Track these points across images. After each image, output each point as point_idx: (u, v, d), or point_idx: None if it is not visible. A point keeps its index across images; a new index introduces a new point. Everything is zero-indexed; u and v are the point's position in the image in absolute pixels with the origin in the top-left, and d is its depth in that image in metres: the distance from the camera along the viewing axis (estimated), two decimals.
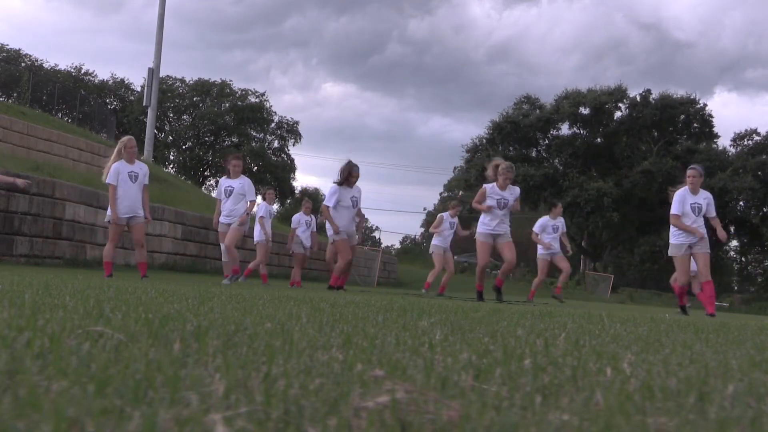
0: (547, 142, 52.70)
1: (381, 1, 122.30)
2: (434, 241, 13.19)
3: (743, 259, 60.46)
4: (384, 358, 1.54)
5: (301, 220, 13.60)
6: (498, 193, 9.67)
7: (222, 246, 10.45)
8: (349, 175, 10.05)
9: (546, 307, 7.95)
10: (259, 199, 13.77)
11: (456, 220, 13.32)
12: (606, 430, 0.97)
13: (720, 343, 2.82)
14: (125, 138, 9.47)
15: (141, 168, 9.33)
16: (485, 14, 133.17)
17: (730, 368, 1.79)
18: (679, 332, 3.38)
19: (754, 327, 4.61)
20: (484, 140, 51.95)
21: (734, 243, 56.59)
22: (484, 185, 9.86)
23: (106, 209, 15.60)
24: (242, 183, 10.15)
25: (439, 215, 13.49)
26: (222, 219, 10.19)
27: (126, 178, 9.14)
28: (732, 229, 52.06)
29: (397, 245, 67.63)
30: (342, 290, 9.88)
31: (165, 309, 2.56)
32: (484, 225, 9.72)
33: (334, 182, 10.17)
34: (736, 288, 59.92)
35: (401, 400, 1.01)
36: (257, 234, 13.05)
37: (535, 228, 12.94)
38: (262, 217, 13.05)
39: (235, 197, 10.08)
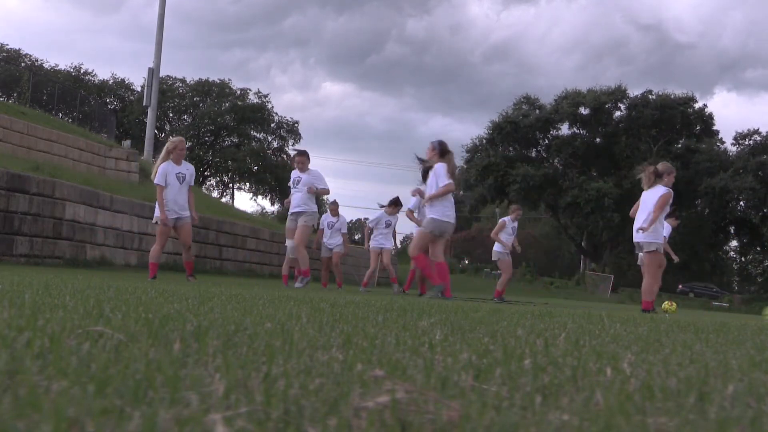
0: (546, 142, 52.72)
1: (380, 1, 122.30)
2: (496, 248, 12.47)
3: (743, 259, 60.47)
4: (384, 358, 1.54)
5: (324, 220, 13.12)
6: None
7: (288, 243, 10.42)
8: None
9: (546, 307, 7.95)
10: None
11: (516, 224, 12.68)
12: (606, 430, 0.97)
13: (720, 343, 2.82)
14: (176, 138, 9.55)
15: (188, 169, 9.43)
16: (484, 14, 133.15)
17: (730, 368, 1.79)
18: (679, 332, 3.38)
19: (754, 327, 4.61)
20: (484, 140, 51.98)
21: (734, 243, 56.63)
22: (670, 189, 8.85)
23: (107, 209, 15.68)
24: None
25: (501, 220, 12.76)
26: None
27: (174, 180, 9.22)
28: (732, 229, 52.14)
29: (398, 245, 67.58)
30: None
31: (165, 309, 2.56)
32: None
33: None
34: (736, 288, 59.94)
35: (401, 400, 1.01)
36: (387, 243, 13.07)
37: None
38: (370, 226, 13.06)
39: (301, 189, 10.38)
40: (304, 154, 10.69)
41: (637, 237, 8.91)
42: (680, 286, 45.43)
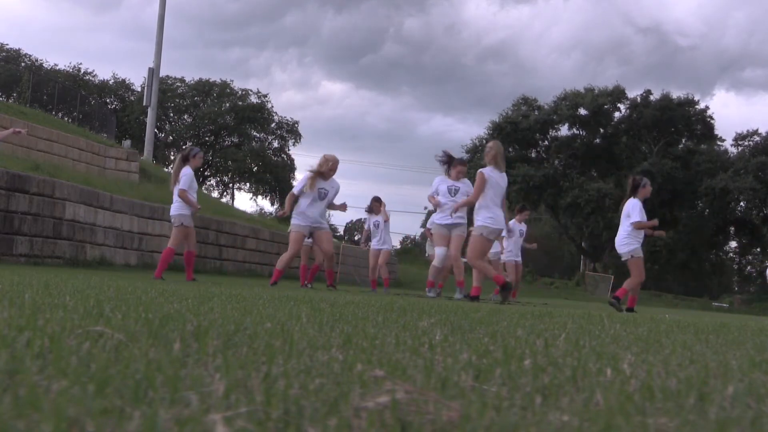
0: (546, 142, 52.73)
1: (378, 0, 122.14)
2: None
3: (744, 259, 60.45)
4: (384, 358, 1.54)
5: (370, 221, 12.69)
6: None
7: (440, 251, 9.83)
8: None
9: (546, 307, 7.95)
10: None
11: None
12: (606, 430, 0.97)
13: (720, 343, 2.82)
14: (330, 156, 9.85)
15: (333, 186, 9.74)
16: (481, 15, 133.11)
17: (730, 369, 1.79)
18: (679, 333, 3.38)
19: (754, 327, 4.61)
20: (484, 141, 51.97)
21: (734, 243, 56.62)
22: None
23: (107, 209, 15.69)
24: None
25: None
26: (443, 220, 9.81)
27: (316, 195, 9.65)
28: (732, 229, 52.13)
29: (397, 245, 67.58)
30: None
31: (165, 309, 2.56)
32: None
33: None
34: (736, 288, 59.90)
35: (401, 400, 1.01)
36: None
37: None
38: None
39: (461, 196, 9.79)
40: (466, 164, 10.04)
41: None
42: None
